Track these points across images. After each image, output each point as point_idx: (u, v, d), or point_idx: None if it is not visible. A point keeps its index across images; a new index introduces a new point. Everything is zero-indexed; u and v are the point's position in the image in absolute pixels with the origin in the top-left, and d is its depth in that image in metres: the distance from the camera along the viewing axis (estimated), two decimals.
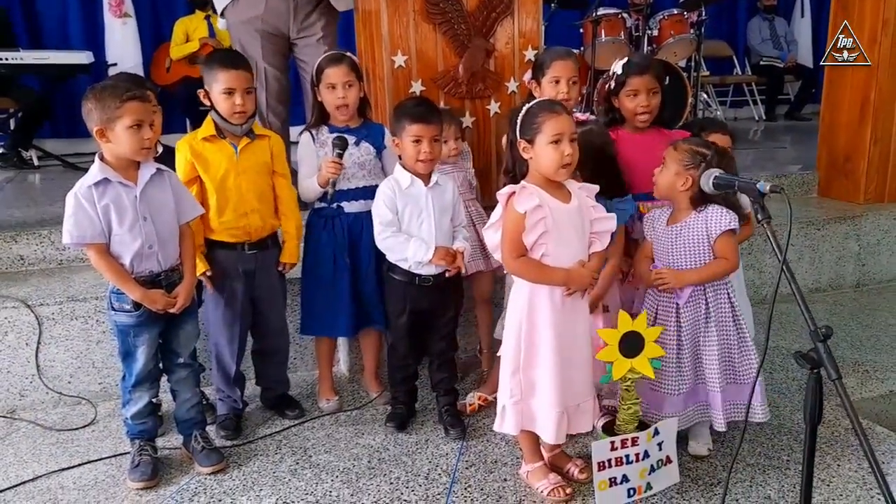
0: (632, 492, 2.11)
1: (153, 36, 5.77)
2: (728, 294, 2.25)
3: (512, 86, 3.17)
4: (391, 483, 2.26)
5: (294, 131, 3.18)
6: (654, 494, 2.15)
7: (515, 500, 2.16)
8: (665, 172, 2.24)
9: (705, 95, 6.61)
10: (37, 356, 2.78)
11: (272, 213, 2.55)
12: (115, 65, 5.39)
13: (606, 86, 2.60)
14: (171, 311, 2.23)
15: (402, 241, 2.41)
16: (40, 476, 2.34)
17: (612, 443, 2.07)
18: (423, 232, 2.42)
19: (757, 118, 7.37)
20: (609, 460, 2.07)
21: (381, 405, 2.77)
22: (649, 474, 2.13)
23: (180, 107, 5.36)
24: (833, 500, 2.13)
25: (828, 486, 2.20)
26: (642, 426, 2.17)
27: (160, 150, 2.37)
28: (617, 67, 2.51)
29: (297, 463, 2.39)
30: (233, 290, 2.50)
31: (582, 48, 5.31)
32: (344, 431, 2.59)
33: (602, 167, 2.26)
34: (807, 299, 1.61)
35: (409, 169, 2.42)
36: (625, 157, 2.42)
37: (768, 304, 3.38)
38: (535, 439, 2.21)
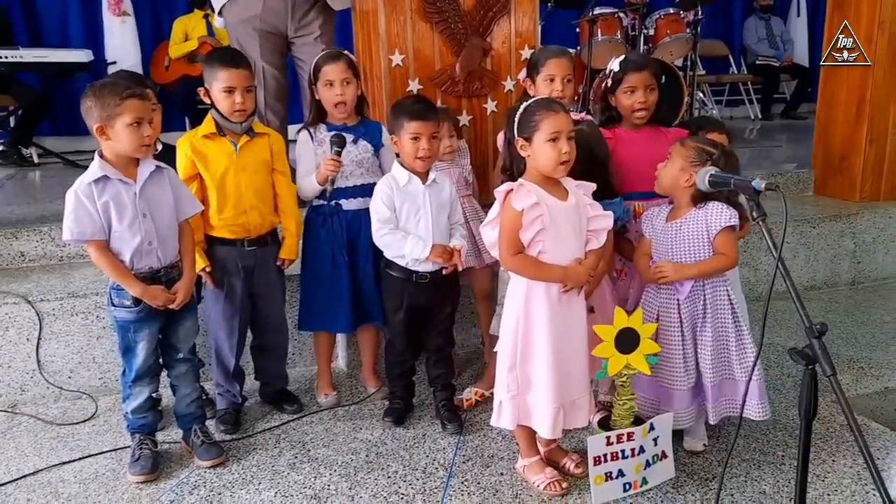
0: (627, 486, 2.12)
1: (152, 35, 5.79)
2: (727, 291, 2.25)
3: (508, 84, 3.18)
4: (389, 477, 2.28)
5: (292, 129, 3.18)
6: (650, 489, 2.16)
7: (512, 494, 2.18)
8: (669, 167, 2.24)
9: (701, 94, 6.64)
10: (37, 351, 2.80)
11: (271, 210, 2.57)
12: (114, 63, 5.42)
13: (603, 84, 2.60)
14: (171, 307, 2.25)
15: (400, 238, 2.42)
16: (41, 470, 2.35)
17: (608, 438, 2.08)
18: (420, 229, 2.44)
19: (753, 117, 7.39)
20: (605, 455, 2.07)
21: (378, 400, 2.79)
22: (645, 469, 2.15)
23: (179, 105, 5.37)
24: (828, 495, 2.15)
25: (823, 481, 2.22)
26: (638, 421, 2.19)
27: (159, 147, 2.39)
28: (614, 65, 2.51)
29: (296, 457, 2.41)
30: (232, 286, 2.52)
31: (578, 47, 5.32)
32: (342, 426, 2.61)
33: (591, 168, 2.24)
34: (802, 297, 1.62)
35: (407, 166, 2.44)
36: (621, 156, 2.43)
37: (763, 301, 3.39)
38: (531, 434, 2.22)
